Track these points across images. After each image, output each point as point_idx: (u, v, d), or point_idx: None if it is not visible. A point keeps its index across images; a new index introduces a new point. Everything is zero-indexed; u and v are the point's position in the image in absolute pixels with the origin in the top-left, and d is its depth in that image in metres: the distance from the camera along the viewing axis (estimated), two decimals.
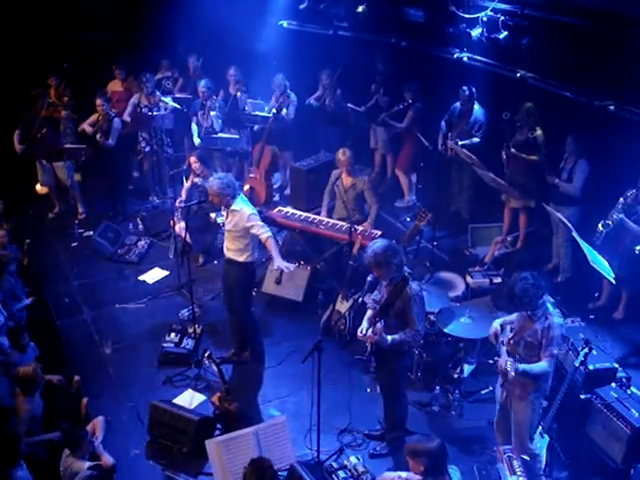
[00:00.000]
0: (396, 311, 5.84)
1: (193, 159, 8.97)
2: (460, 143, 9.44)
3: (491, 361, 6.88)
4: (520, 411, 5.74)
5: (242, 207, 7.05)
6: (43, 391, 6.31)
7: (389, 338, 5.77)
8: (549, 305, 5.54)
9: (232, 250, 7.22)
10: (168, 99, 11.01)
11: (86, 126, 10.45)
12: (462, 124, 9.77)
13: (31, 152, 10.47)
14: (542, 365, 5.46)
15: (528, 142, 8.82)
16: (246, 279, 7.37)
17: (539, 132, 8.69)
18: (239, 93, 11.15)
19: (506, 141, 8.93)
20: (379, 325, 5.86)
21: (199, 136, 10.75)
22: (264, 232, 7.03)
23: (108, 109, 10.39)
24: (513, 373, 5.45)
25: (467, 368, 7.04)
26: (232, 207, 7.04)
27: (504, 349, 5.72)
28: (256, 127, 10.98)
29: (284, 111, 10.70)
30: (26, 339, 7.03)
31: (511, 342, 5.71)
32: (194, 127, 10.87)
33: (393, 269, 5.80)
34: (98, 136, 10.26)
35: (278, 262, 7.11)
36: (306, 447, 6.32)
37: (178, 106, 11.02)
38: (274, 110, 10.65)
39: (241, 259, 7.20)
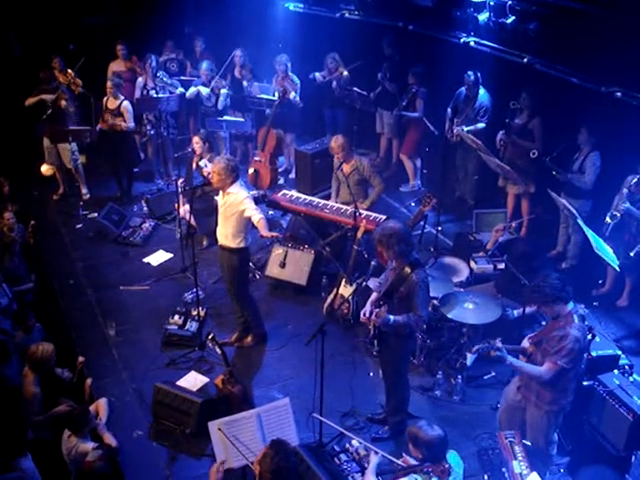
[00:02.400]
0: (400, 296, 5.83)
1: (196, 139, 8.96)
2: (466, 129, 9.42)
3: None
4: (535, 420, 5.60)
5: (238, 190, 7.03)
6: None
7: (392, 318, 5.77)
8: (575, 317, 5.34)
9: (225, 235, 7.19)
10: (175, 82, 11.04)
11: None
12: (468, 109, 9.73)
13: (37, 133, 10.47)
14: (538, 369, 5.32)
15: (527, 127, 8.81)
16: (241, 265, 7.33)
17: (536, 121, 8.76)
18: (244, 78, 11.14)
19: (506, 126, 8.92)
20: (383, 308, 5.87)
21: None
22: (256, 214, 6.95)
23: (117, 92, 10.36)
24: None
25: (470, 357, 7.02)
26: (228, 189, 7.04)
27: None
28: (268, 111, 10.89)
29: (292, 95, 10.70)
30: (32, 320, 7.05)
31: (530, 341, 5.62)
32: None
33: (395, 253, 5.79)
34: (120, 121, 10.34)
35: (264, 232, 6.95)
36: (308, 430, 6.35)
37: (183, 90, 11.02)
38: (276, 93, 10.66)
39: (234, 245, 7.16)
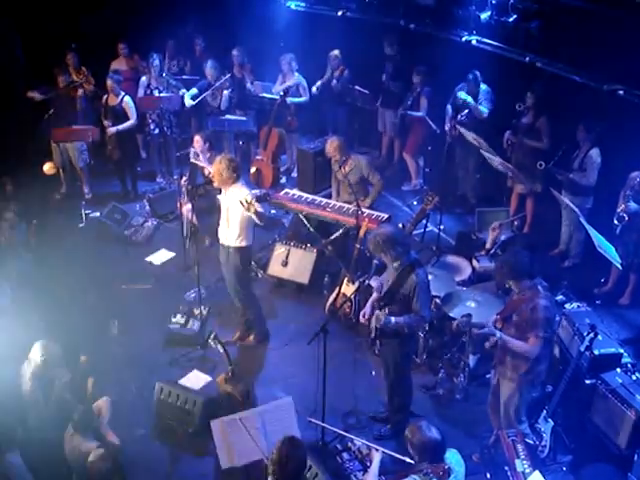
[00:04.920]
0: (401, 296, 5.83)
1: (197, 138, 8.95)
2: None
3: None
4: (508, 393, 5.74)
5: (241, 188, 7.03)
6: None
7: (393, 320, 5.77)
8: (540, 287, 5.49)
9: (227, 235, 7.20)
10: (179, 84, 11.06)
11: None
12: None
13: (43, 132, 10.49)
14: (525, 346, 5.41)
15: (534, 127, 8.80)
16: (243, 264, 7.32)
17: (543, 120, 8.74)
18: (246, 77, 11.15)
19: (513, 126, 8.92)
20: (383, 311, 5.86)
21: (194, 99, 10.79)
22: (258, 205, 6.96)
23: (118, 89, 10.37)
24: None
25: (472, 358, 7.01)
26: (230, 188, 7.04)
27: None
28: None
29: (295, 100, 10.77)
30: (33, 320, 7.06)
31: (498, 316, 5.72)
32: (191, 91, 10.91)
33: (392, 257, 5.79)
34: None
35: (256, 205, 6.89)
36: (311, 428, 6.33)
37: (185, 91, 11.02)
38: (279, 90, 10.69)
39: (236, 244, 7.17)
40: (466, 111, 9.50)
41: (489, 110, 9.65)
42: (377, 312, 5.86)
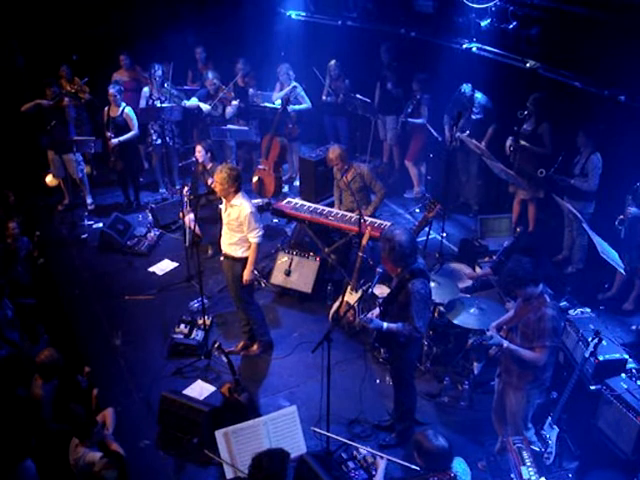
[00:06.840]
0: (399, 304, 5.82)
1: (199, 148, 8.97)
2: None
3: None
4: (515, 401, 5.71)
5: (242, 202, 7.00)
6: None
7: (385, 325, 5.76)
8: (547, 296, 5.46)
9: (229, 244, 7.19)
10: (181, 95, 11.09)
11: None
12: (467, 113, 9.72)
13: (42, 144, 10.50)
14: (532, 354, 5.39)
15: (536, 133, 8.81)
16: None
17: (545, 126, 8.74)
18: (249, 86, 11.18)
19: (514, 133, 8.93)
20: (370, 313, 5.93)
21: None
22: (253, 236, 7.00)
23: (120, 100, 10.40)
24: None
25: (477, 366, 7.00)
26: (232, 201, 7.03)
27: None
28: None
29: (296, 107, 10.81)
30: (39, 331, 7.06)
31: (504, 327, 5.73)
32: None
33: (397, 263, 5.77)
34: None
35: (246, 273, 7.12)
36: (315, 437, 6.33)
37: (187, 102, 11.06)
38: (278, 97, 10.74)
39: (238, 254, 7.16)
40: (467, 132, 9.52)
41: (484, 117, 9.71)
42: (366, 313, 5.87)
